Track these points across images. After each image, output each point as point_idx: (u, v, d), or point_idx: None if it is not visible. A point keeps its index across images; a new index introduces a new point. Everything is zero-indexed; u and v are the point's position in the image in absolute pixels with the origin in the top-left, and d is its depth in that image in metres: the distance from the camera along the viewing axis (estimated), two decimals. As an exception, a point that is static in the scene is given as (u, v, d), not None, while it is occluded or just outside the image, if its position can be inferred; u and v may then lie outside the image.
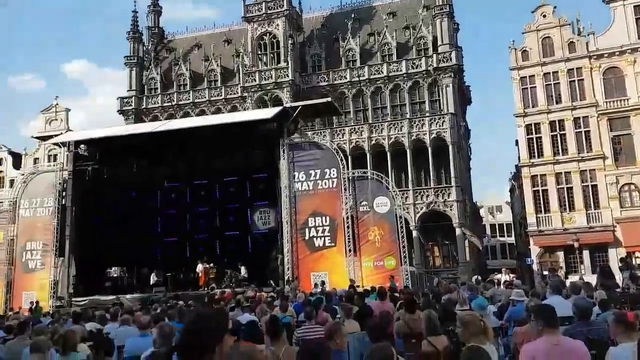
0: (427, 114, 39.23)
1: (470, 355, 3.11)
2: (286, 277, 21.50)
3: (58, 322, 11.74)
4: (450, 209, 37.01)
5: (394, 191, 23.77)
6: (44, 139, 30.96)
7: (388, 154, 37.85)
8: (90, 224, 24.88)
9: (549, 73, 37.04)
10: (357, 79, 41.38)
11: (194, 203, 27.65)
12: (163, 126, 26.05)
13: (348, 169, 25.18)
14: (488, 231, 69.81)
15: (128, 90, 47.26)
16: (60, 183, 25.07)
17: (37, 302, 21.98)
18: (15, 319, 13.03)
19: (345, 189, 22.55)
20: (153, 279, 24.35)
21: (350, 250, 21.78)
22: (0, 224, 25.60)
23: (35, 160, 46.41)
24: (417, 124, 38.11)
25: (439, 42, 40.69)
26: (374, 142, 38.37)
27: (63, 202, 24.82)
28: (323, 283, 19.78)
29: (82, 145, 25.75)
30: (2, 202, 38.50)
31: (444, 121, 37.78)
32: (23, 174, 31.86)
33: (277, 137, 23.11)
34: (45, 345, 6.11)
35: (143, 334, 7.28)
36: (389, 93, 40.96)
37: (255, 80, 42.23)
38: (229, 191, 26.99)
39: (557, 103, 36.67)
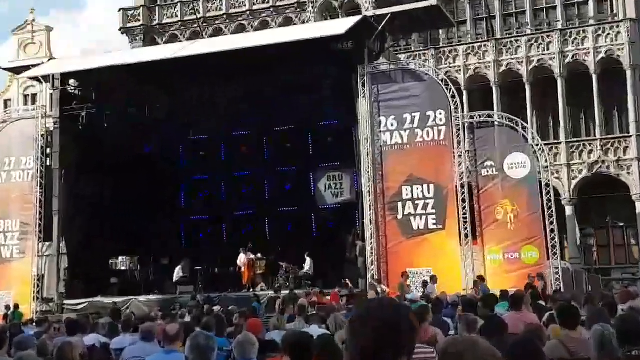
0: (591, 23, 37.48)
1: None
2: (369, 274, 21.77)
3: (47, 333, 12.52)
4: (628, 172, 35.51)
5: (537, 145, 23.17)
6: (17, 71, 32.36)
7: (527, 86, 36.69)
8: (87, 194, 26.17)
9: None
10: (477, -31, 40.04)
11: (232, 164, 28.51)
12: (185, 50, 26.63)
13: (463, 110, 24.68)
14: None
15: (133, -1, 48.24)
16: (42, 135, 26.28)
17: (15, 306, 23.32)
18: (-12, 327, 14.02)
19: (458, 143, 22.34)
20: (177, 274, 25.43)
21: (467, 236, 21.71)
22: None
23: (6, 102, 48.38)
24: (575, 39, 36.46)
25: None
26: (504, 68, 37.28)
27: (48, 163, 26.08)
28: (426, 283, 19.89)
29: (71, 81, 26.84)
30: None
31: (618, 33, 35.89)
32: (-10, 123, 33.58)
33: (354, 63, 23.07)
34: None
35: (169, 351, 7.64)
36: (530, -9, 39.36)
37: (319, -22, 41.83)
38: (282, 147, 27.62)
39: None
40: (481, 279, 20.16)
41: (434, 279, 20.08)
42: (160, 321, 13.53)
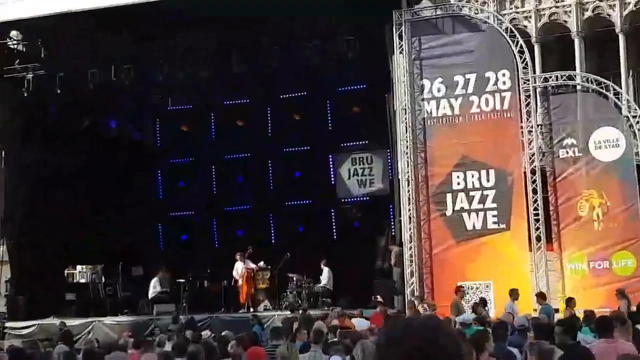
0: None
1: None
2: (408, 289, 21.74)
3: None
4: None
5: (635, 116, 22.92)
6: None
7: (620, 37, 36.38)
8: (34, 182, 26.27)
9: None
10: None
11: (224, 143, 28.72)
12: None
13: (534, 71, 24.47)
14: None
15: None
16: (-26, 105, 26.40)
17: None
18: None
19: (528, 114, 22.22)
20: (154, 288, 25.47)
21: (538, 239, 21.63)
22: None
23: None
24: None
25: None
26: (589, 13, 36.94)
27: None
28: (484, 302, 19.81)
29: (13, 32, 26.84)
30: None
31: None
32: None
33: (388, 7, 22.89)
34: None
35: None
36: None
37: None
38: (291, 120, 27.73)
39: None
40: (542, 296, 19.90)
41: (514, 293, 19.73)
42: (133, 350, 13.62)
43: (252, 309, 23.88)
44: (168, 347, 14.01)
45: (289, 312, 22.06)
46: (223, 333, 15.72)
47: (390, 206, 24.25)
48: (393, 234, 24.12)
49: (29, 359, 12.37)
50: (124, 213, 27.97)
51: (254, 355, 9.73)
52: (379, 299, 22.38)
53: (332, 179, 27.61)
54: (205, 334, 16.13)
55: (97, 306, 25.75)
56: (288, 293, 24.52)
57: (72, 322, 23.17)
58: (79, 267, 27.27)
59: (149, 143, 29.17)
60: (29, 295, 25.81)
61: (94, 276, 27.40)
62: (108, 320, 23.82)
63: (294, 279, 24.78)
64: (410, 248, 22.08)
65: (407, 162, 22.42)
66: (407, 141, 22.47)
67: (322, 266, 24.64)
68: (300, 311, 21.13)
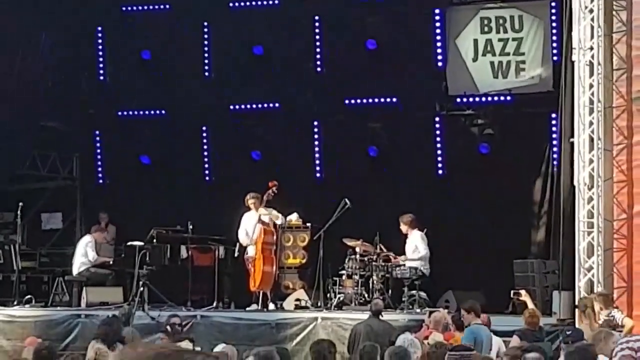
0: None
1: None
2: (581, 280, 21.73)
3: None
4: None
5: None
6: None
7: None
8: None
9: None
10: None
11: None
12: None
13: None
14: None
15: None
16: None
17: None
18: None
19: None
20: (84, 256, 25.56)
21: None
22: None
23: None
24: None
25: None
26: None
27: None
28: None
29: None
30: None
31: None
32: None
33: None
34: None
35: None
36: None
37: None
38: None
39: None
40: None
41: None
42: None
43: (271, 304, 24.16)
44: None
45: (343, 314, 22.24)
46: (219, 347, 15.81)
47: (554, 115, 24.22)
48: (556, 169, 24.11)
49: None
50: (28, 109, 28.16)
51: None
52: (523, 295, 22.46)
53: (440, 59, 27.45)
54: (184, 345, 16.17)
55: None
56: (344, 277, 24.55)
57: None
58: None
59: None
60: None
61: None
62: (-4, 313, 24.16)
63: (357, 250, 24.75)
64: (591, 199, 22.00)
65: (592, 27, 22.25)
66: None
67: (408, 228, 24.71)
68: (369, 313, 21.17)
